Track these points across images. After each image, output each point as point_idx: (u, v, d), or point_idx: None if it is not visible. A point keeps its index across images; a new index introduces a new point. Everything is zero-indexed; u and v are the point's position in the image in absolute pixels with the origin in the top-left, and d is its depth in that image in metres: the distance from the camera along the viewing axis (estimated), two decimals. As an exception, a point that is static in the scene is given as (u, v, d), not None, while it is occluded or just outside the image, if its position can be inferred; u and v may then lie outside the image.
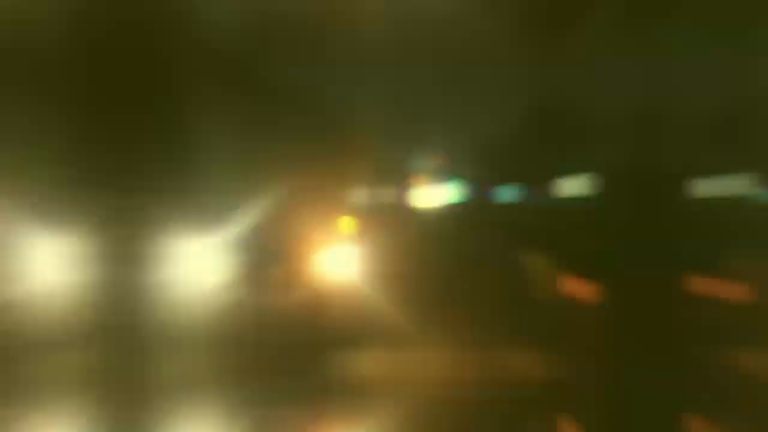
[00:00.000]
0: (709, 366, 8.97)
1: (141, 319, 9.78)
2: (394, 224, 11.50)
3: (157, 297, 9.93)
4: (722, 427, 7.96)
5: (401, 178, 12.25)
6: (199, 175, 10.91)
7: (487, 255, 11.27)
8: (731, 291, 9.59)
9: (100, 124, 10.35)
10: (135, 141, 10.28)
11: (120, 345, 9.56)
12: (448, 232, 11.93)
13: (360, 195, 11.81)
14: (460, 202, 12.60)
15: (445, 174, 12.56)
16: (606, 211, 10.69)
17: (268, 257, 10.27)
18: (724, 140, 10.78)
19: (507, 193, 12.35)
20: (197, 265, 10.26)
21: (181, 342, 9.50)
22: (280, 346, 9.68)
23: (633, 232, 10.16)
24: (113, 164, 10.30)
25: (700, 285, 9.70)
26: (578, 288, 10.46)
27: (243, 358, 9.34)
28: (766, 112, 10.72)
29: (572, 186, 11.71)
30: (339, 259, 10.27)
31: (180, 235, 10.28)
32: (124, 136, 10.39)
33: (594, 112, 10.74)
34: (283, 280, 10.24)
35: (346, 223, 11.05)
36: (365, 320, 10.04)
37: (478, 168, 12.69)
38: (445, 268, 10.96)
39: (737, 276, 9.68)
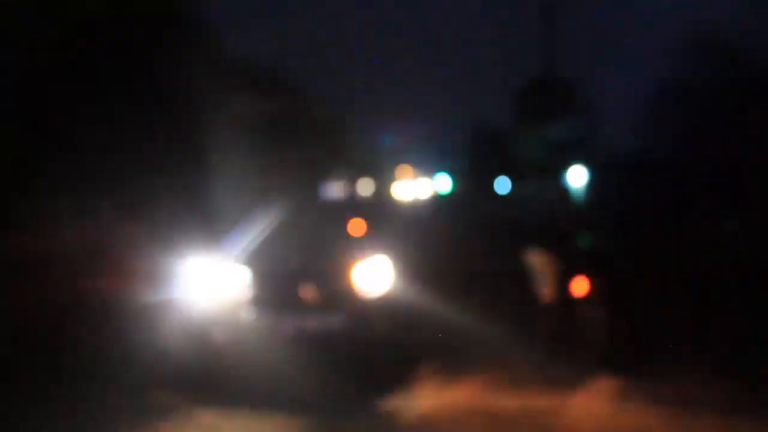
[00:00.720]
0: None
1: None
2: (396, 223, 10.81)
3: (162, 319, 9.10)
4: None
5: (383, 171, 11.74)
6: (203, 179, 9.57)
7: (489, 254, 10.64)
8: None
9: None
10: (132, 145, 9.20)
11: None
12: (443, 227, 11.40)
13: (339, 190, 11.14)
14: (448, 194, 12.02)
15: (432, 166, 12.00)
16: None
17: (291, 272, 9.14)
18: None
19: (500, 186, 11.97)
20: (204, 282, 9.19)
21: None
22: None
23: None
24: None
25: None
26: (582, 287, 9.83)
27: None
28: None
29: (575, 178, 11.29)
30: (371, 269, 9.24)
31: (182, 247, 9.45)
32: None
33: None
34: (315, 300, 9.02)
35: (358, 226, 10.06)
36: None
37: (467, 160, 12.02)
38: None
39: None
